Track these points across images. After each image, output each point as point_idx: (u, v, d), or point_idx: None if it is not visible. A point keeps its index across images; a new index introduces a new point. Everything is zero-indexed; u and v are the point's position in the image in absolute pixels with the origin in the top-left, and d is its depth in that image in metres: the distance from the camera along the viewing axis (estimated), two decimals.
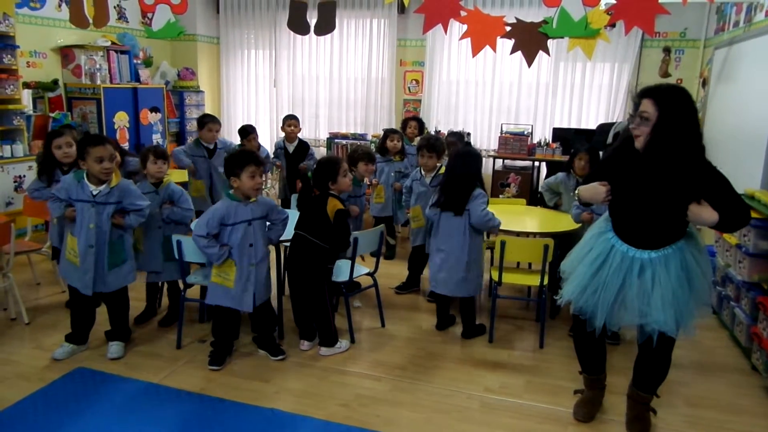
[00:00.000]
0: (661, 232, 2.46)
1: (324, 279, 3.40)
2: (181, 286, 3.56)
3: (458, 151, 3.87)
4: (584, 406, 2.89)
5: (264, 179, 5.32)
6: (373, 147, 6.05)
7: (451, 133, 5.83)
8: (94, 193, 3.17)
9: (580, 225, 3.61)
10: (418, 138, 5.79)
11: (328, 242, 3.33)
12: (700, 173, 2.35)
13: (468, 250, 3.57)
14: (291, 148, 5.74)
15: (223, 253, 3.12)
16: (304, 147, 5.77)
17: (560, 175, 4.23)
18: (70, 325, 3.40)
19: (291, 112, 6.50)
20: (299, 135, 5.83)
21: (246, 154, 3.20)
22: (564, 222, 3.94)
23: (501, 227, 3.86)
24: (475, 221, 3.53)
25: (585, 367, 2.89)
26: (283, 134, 5.85)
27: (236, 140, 5.85)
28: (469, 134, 6.96)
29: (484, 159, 7.03)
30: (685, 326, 2.46)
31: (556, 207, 4.35)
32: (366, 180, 4.42)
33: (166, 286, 3.90)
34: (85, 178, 3.19)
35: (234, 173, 3.10)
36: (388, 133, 5.32)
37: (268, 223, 3.31)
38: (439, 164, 4.28)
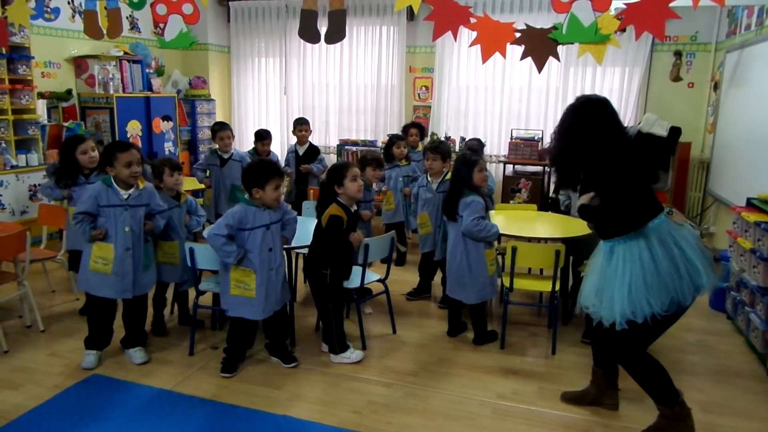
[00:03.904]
0: (601, 224, 2.65)
1: (322, 284, 3.37)
2: (193, 293, 3.59)
3: (457, 157, 3.89)
4: (574, 392, 3.04)
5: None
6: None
7: (472, 139, 5.85)
8: (125, 197, 3.22)
9: (592, 230, 3.59)
10: (421, 143, 5.81)
11: (319, 245, 3.34)
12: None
13: (466, 255, 3.56)
14: (301, 151, 5.79)
15: (239, 252, 3.12)
16: (314, 151, 5.82)
17: None
18: (92, 333, 3.38)
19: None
20: (310, 139, 5.87)
21: (270, 165, 3.21)
22: (575, 227, 3.93)
23: (512, 233, 3.86)
24: (464, 229, 3.51)
25: (593, 354, 2.99)
26: (295, 139, 5.90)
27: (247, 148, 5.93)
28: (479, 140, 6.95)
29: (494, 165, 7.05)
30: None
31: (568, 210, 4.34)
32: (374, 185, 4.43)
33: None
34: (114, 184, 3.23)
35: (259, 184, 3.10)
36: (395, 139, 5.32)
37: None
38: (445, 169, 4.28)
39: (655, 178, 2.62)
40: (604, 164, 2.51)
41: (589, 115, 2.58)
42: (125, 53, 6.61)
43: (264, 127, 6.14)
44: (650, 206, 2.52)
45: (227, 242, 3.10)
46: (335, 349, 3.44)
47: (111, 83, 6.28)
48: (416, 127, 5.82)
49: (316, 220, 3.47)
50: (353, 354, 3.46)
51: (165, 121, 6.88)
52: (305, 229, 3.61)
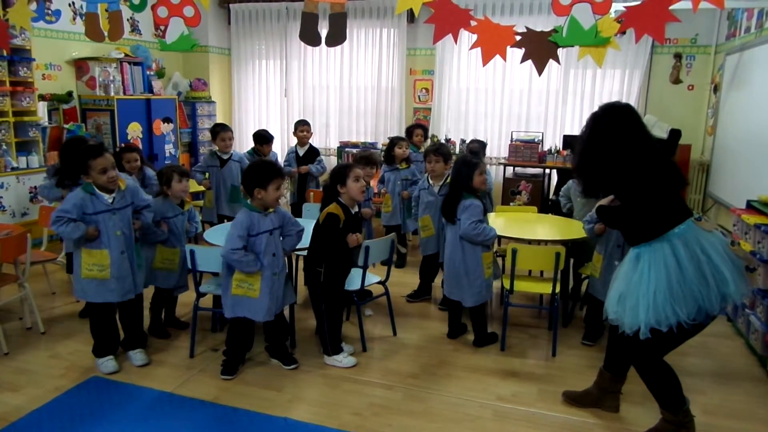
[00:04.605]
0: (624, 230, 2.67)
1: (315, 282, 3.36)
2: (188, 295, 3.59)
3: (457, 158, 3.89)
4: (575, 392, 3.04)
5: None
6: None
7: (474, 141, 5.86)
8: (110, 201, 3.19)
9: (588, 235, 3.59)
10: (425, 143, 5.82)
11: (315, 243, 3.34)
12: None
13: (463, 258, 3.57)
14: (302, 152, 5.80)
15: (255, 259, 3.11)
16: (314, 152, 5.83)
17: (570, 182, 4.26)
18: (99, 341, 3.34)
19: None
20: (310, 141, 5.88)
21: (271, 166, 3.20)
22: (575, 229, 3.93)
23: (513, 235, 3.87)
24: (462, 233, 3.51)
25: (606, 357, 2.98)
26: (295, 140, 5.91)
27: (247, 149, 5.95)
28: (480, 142, 6.95)
29: (494, 167, 7.05)
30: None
31: (570, 213, 4.35)
32: (373, 186, 4.43)
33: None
34: (96, 190, 3.16)
35: (261, 185, 3.09)
36: (396, 140, 5.33)
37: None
38: (447, 171, 4.28)
39: (683, 183, 2.58)
40: (628, 171, 2.48)
41: (611, 122, 2.55)
42: (126, 55, 6.62)
43: (264, 129, 6.17)
44: (676, 212, 2.47)
45: (243, 254, 3.08)
46: (327, 351, 3.44)
47: (112, 85, 6.29)
48: (421, 128, 5.84)
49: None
50: (345, 359, 3.43)
51: (165, 123, 6.89)
52: (305, 230, 3.61)
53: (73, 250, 3.25)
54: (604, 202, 2.70)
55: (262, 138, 5.56)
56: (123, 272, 3.21)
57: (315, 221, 3.41)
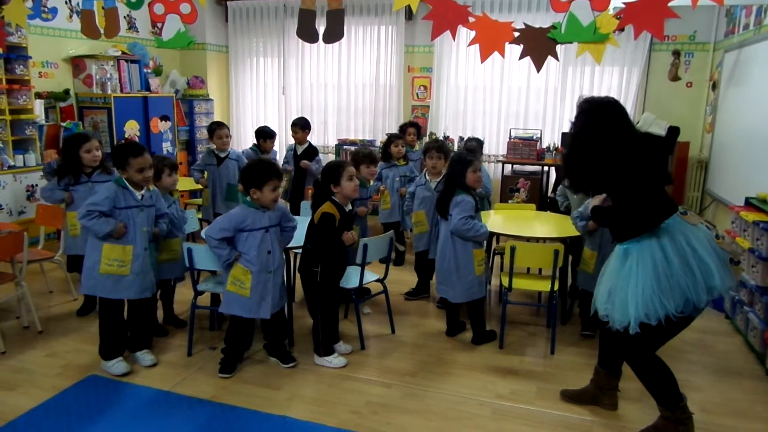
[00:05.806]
0: (614, 227, 2.64)
1: (311, 282, 3.35)
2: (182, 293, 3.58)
3: (452, 155, 3.89)
4: (573, 390, 3.04)
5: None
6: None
7: (470, 139, 5.85)
8: (140, 197, 3.23)
9: (582, 233, 3.59)
10: (419, 143, 5.80)
11: (311, 243, 3.33)
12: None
13: (455, 254, 3.56)
14: (300, 150, 5.79)
15: (231, 257, 3.12)
16: (312, 150, 5.82)
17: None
18: (109, 341, 3.28)
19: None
20: (308, 139, 5.87)
21: (268, 166, 3.18)
22: (574, 227, 3.92)
23: (511, 233, 3.86)
24: (452, 228, 3.51)
25: (599, 354, 2.98)
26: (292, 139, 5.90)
27: (245, 147, 5.93)
28: (477, 140, 6.93)
29: (492, 165, 7.04)
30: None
31: (567, 211, 4.34)
32: (370, 182, 4.42)
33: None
34: (128, 185, 3.21)
35: (257, 185, 3.10)
36: (393, 138, 5.31)
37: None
38: (445, 169, 4.26)
39: (669, 179, 2.57)
40: (618, 166, 2.47)
41: (594, 118, 2.54)
42: (123, 53, 6.60)
43: (266, 126, 6.15)
44: (664, 207, 2.47)
45: (220, 245, 3.10)
46: (319, 351, 3.42)
47: (109, 83, 6.27)
48: (414, 127, 5.82)
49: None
50: (335, 359, 3.41)
51: (163, 121, 6.87)
52: (304, 228, 3.60)
53: (88, 246, 3.22)
54: (596, 202, 2.68)
55: (264, 134, 5.54)
56: (145, 268, 3.23)
57: (309, 221, 3.39)
